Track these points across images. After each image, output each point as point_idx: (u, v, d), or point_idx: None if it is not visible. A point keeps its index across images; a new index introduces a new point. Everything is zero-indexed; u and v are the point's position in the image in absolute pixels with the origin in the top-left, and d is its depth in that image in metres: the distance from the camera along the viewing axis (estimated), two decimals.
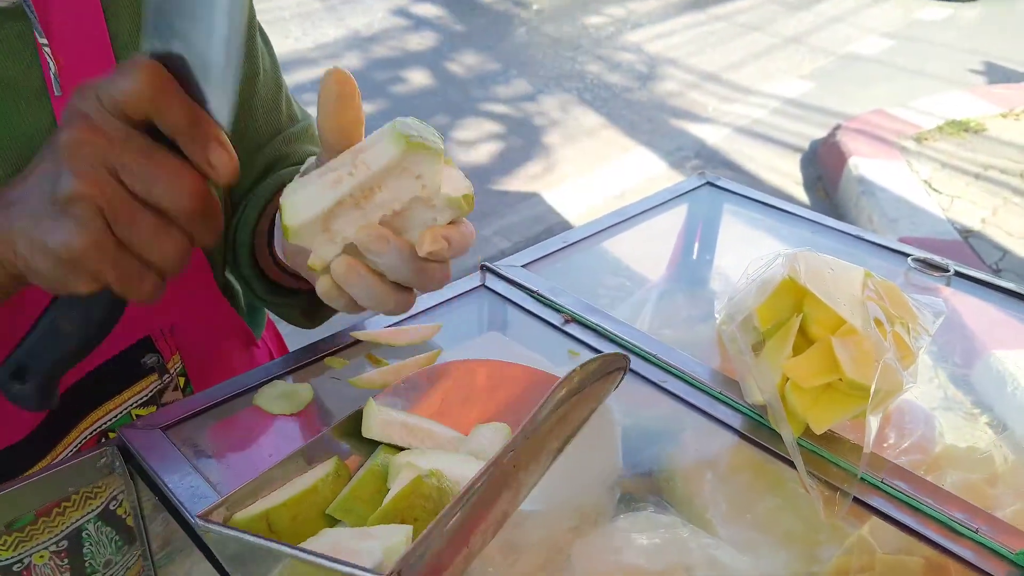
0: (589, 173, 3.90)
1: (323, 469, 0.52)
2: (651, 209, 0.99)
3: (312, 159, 0.60)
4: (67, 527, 0.62)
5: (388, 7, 6.10)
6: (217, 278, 0.79)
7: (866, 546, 0.58)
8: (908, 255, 0.89)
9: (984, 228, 3.30)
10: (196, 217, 0.48)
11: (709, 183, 1.05)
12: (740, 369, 0.67)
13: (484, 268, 0.85)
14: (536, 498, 0.52)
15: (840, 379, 0.60)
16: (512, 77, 5.01)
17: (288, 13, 5.84)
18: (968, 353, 0.81)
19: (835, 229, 0.96)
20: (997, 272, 3.04)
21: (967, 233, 3.26)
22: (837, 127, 4.19)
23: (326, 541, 0.47)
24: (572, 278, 0.86)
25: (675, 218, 1.02)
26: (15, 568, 0.59)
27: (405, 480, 0.49)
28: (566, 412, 0.53)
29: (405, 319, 0.76)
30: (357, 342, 0.73)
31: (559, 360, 0.74)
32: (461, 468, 0.52)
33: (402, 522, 0.48)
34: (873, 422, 0.59)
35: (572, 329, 0.77)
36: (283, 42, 5.25)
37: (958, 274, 0.87)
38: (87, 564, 0.64)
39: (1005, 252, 3.16)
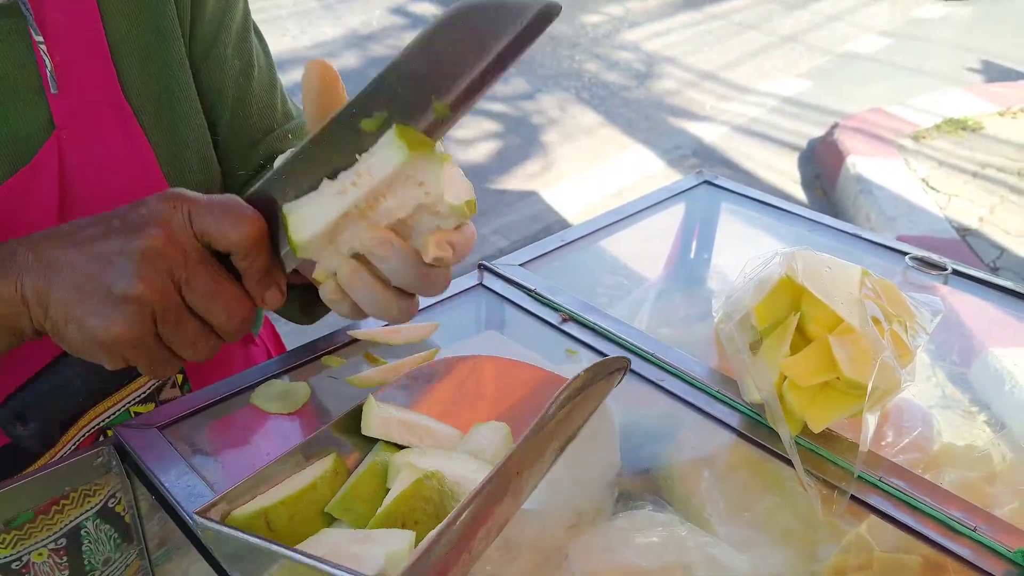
0: (587, 172, 3.89)
1: (321, 466, 0.52)
2: (649, 208, 0.99)
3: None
4: (66, 525, 0.62)
5: (386, 5, 6.08)
6: None
7: (864, 544, 0.58)
8: (906, 253, 0.89)
9: (982, 226, 3.30)
10: (237, 333, 0.52)
11: (707, 182, 1.05)
12: (738, 368, 0.67)
13: (482, 267, 0.85)
14: (534, 497, 0.52)
15: (838, 378, 0.60)
16: (510, 75, 4.99)
17: (285, 11, 5.83)
18: (966, 351, 0.81)
19: (833, 228, 0.96)
20: (995, 270, 3.04)
21: (965, 231, 3.26)
22: (835, 126, 4.19)
23: (326, 543, 0.47)
24: (570, 277, 0.86)
25: (673, 217, 1.02)
26: (14, 566, 0.59)
27: (406, 482, 0.49)
28: (567, 414, 0.53)
29: None
30: (354, 341, 0.73)
31: (557, 359, 0.74)
32: (461, 468, 0.52)
33: (403, 525, 0.47)
34: (871, 420, 0.59)
35: (570, 328, 0.77)
36: (280, 40, 5.23)
37: (956, 272, 0.87)
38: (86, 562, 0.63)
39: (1003, 250, 3.16)
